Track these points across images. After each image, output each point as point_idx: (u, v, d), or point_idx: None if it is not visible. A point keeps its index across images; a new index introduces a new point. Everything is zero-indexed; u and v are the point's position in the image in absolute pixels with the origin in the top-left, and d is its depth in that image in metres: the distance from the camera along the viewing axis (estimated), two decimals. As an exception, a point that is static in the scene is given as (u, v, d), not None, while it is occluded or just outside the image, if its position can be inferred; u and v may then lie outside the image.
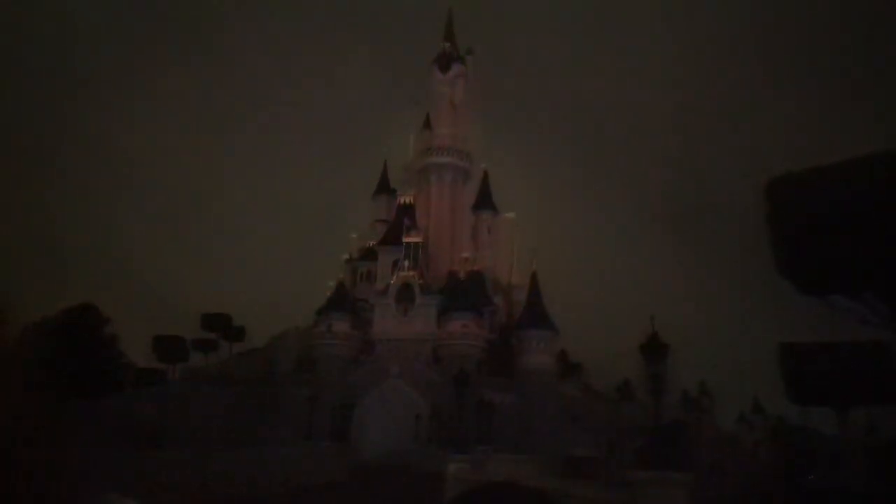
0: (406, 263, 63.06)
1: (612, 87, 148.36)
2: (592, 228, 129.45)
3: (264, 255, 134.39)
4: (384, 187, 78.89)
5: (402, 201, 71.71)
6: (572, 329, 65.37)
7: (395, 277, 63.21)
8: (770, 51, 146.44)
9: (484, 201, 74.76)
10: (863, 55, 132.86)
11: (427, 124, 77.43)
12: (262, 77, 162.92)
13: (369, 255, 70.51)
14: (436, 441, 50.49)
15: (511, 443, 51.96)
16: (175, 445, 48.52)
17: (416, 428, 53.28)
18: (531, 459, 33.39)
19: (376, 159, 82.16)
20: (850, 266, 18.13)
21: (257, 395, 59.42)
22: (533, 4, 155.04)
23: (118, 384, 57.68)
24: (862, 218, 17.60)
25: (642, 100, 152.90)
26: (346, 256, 72.33)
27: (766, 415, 72.99)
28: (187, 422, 54.15)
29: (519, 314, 64.05)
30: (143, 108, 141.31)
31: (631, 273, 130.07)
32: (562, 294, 69.98)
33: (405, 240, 64.30)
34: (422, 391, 55.40)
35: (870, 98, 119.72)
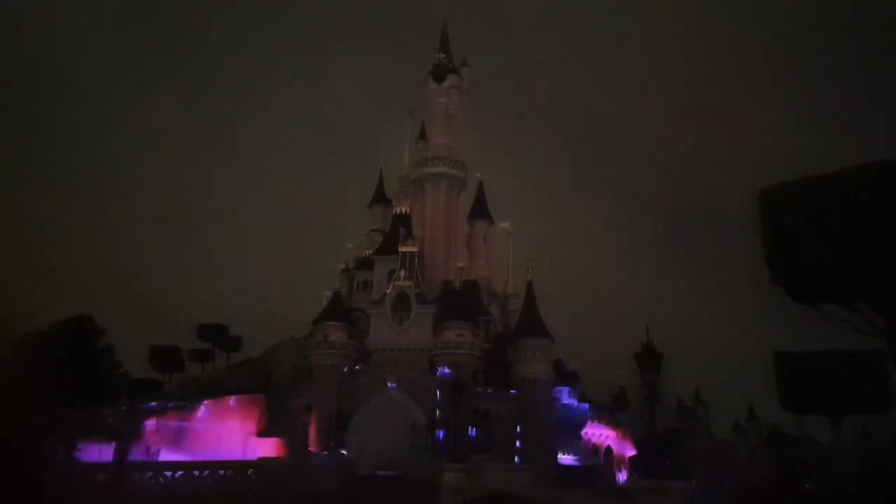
0: (402, 273, 63.09)
1: (607, 96, 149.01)
2: (588, 237, 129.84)
3: (260, 265, 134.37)
4: (380, 197, 78.97)
5: (397, 211, 71.77)
6: (568, 338, 65.45)
7: (390, 287, 63.24)
8: (766, 60, 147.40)
9: (479, 211, 74.97)
10: (856, 66, 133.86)
11: (422, 134, 77.74)
12: (258, 86, 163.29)
13: (365, 264, 70.53)
14: (431, 450, 50.47)
15: (506, 451, 52.04)
16: (171, 456, 48.37)
17: (412, 437, 53.23)
18: (526, 468, 33.49)
19: (372, 169, 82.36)
20: (844, 275, 18.30)
21: (253, 405, 59.28)
22: (528, 15, 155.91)
23: (114, 395, 57.48)
24: (855, 228, 17.79)
25: (638, 109, 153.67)
26: (341, 266, 72.35)
27: (761, 422, 73.12)
28: (183, 432, 53.98)
29: (514, 323, 64.10)
30: (138, 116, 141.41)
31: (626, 282, 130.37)
32: (557, 303, 70.15)
33: (401, 249, 64.35)
34: (417, 400, 55.35)
35: (862, 109, 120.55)
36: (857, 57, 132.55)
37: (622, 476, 61.34)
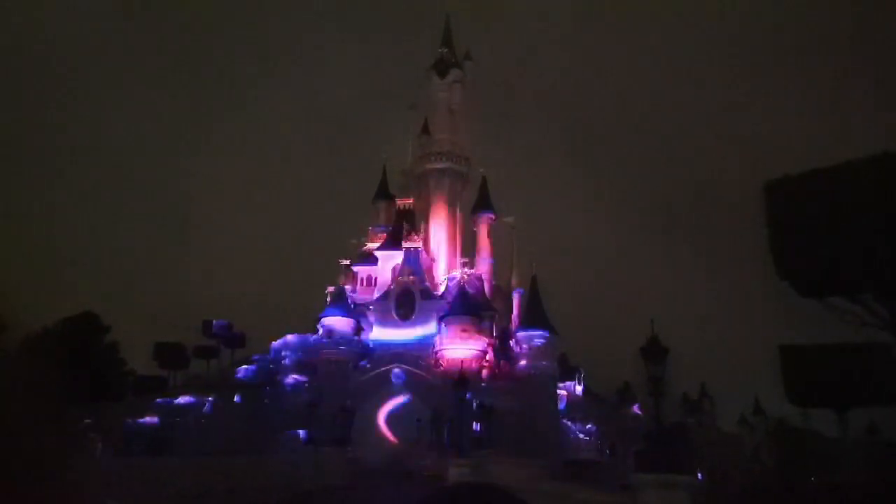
0: (406, 268, 63.09)
1: (612, 89, 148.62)
2: (593, 231, 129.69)
3: (264, 261, 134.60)
4: (383, 192, 78.85)
5: (401, 206, 71.76)
6: (572, 332, 65.45)
7: (394, 282, 63.25)
8: (770, 52, 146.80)
9: (483, 205, 74.80)
10: (863, 58, 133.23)
11: (425, 129, 77.53)
12: (261, 81, 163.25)
13: (369, 260, 70.53)
14: (436, 445, 50.51)
15: (512, 446, 52.02)
16: (176, 452, 48.54)
17: (417, 432, 53.28)
18: (532, 463, 33.44)
19: (375, 165, 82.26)
20: (849, 268, 18.22)
21: (258, 401, 59.44)
22: (531, 9, 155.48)
23: (120, 392, 57.67)
24: (861, 220, 17.70)
25: (643, 102, 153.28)
26: (346, 262, 72.37)
27: (767, 416, 73.08)
28: (189, 429, 54.21)
29: (519, 318, 64.04)
30: (143, 113, 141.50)
31: (631, 276, 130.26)
32: (562, 297, 70.17)
33: (404, 245, 64.36)
34: (422, 395, 55.40)
35: (869, 100, 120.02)
36: (864, 48, 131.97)
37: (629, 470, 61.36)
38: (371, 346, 61.25)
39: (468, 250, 71.24)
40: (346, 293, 64.70)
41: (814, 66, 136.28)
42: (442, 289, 65.02)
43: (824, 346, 28.02)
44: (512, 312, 70.11)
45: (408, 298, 62.07)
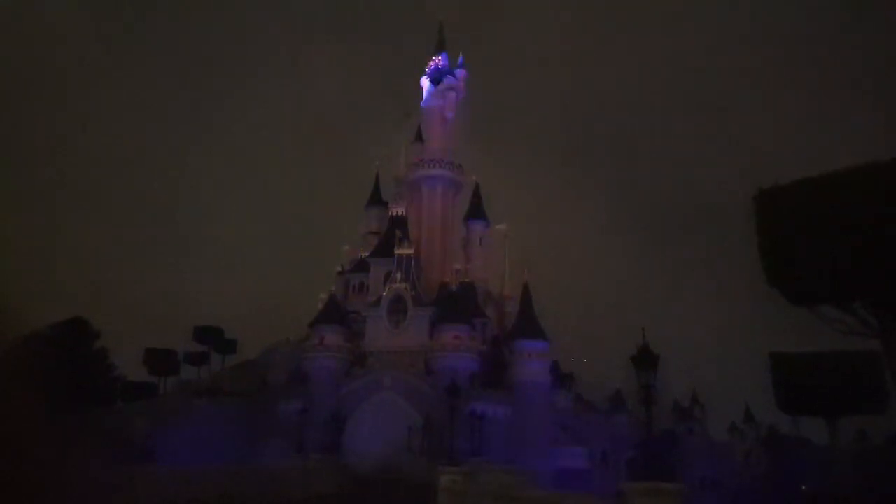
0: (398, 275, 62.98)
1: (603, 97, 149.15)
2: (584, 239, 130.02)
3: (256, 267, 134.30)
4: (376, 199, 78.88)
5: (393, 213, 71.70)
6: (564, 340, 65.48)
7: (386, 289, 63.12)
8: (762, 60, 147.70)
9: (476, 212, 74.89)
10: (854, 68, 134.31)
11: (419, 136, 77.58)
12: (253, 87, 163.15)
13: (361, 267, 70.42)
14: (428, 453, 50.38)
15: (503, 454, 51.95)
16: (166, 459, 48.22)
17: (409, 440, 53.15)
18: (523, 471, 33.34)
19: (368, 171, 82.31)
20: (839, 277, 18.29)
21: (249, 408, 59.21)
22: (525, 19, 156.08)
23: (109, 397, 57.40)
24: (851, 229, 17.78)
25: (635, 111, 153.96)
26: (337, 268, 72.26)
27: (758, 424, 73.37)
28: (179, 435, 53.88)
29: (511, 325, 64.00)
30: (136, 119, 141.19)
31: (623, 284, 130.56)
32: (554, 305, 70.26)
33: (397, 252, 64.24)
34: (414, 403, 55.25)
35: (859, 110, 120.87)
36: (856, 59, 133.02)
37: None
38: (363, 353, 61.09)
39: (461, 257, 71.21)
40: (337, 300, 64.55)
41: (805, 75, 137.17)
42: (434, 296, 64.89)
43: (814, 354, 28.18)
44: (504, 320, 70.08)
45: (400, 305, 61.92)
